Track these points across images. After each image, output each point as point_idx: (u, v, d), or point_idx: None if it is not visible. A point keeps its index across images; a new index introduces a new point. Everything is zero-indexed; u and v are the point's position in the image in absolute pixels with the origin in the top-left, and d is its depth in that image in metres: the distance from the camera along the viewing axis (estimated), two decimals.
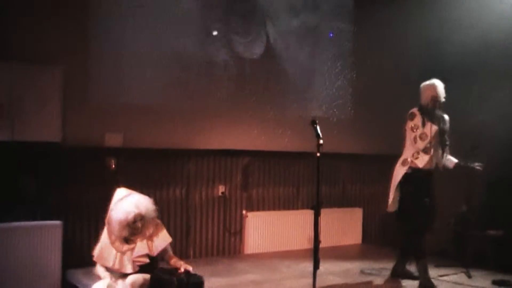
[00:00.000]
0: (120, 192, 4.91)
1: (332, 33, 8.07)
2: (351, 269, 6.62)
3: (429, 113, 5.95)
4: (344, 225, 8.18)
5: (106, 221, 4.81)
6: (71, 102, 6.08)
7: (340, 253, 7.41)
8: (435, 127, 5.88)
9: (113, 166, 6.31)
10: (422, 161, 5.96)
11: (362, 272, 6.49)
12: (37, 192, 5.93)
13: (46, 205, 5.96)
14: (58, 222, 5.88)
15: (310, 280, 4.66)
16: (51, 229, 5.82)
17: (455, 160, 6.16)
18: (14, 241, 5.62)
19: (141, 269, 4.74)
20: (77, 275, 5.84)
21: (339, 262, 6.79)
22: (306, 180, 7.89)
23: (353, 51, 8.36)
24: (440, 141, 6.01)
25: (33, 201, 5.90)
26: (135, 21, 6.65)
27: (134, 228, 4.74)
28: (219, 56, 7.24)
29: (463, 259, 6.65)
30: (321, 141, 4.66)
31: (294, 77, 7.88)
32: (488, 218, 7.36)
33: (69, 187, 6.12)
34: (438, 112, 6.03)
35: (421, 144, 5.90)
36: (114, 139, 6.41)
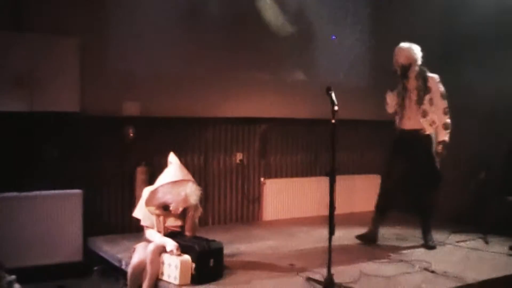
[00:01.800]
0: (174, 166, 5.01)
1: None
2: None
3: (393, 79, 6.10)
4: (362, 192, 8.19)
5: (150, 190, 4.90)
6: (89, 71, 6.09)
7: (358, 219, 7.42)
8: (390, 94, 6.07)
9: (131, 134, 6.38)
10: (396, 124, 6.19)
11: (382, 237, 6.50)
12: (57, 161, 6.02)
13: (66, 174, 6.06)
14: (78, 191, 6.00)
15: (326, 245, 4.70)
16: (72, 198, 5.95)
17: (442, 138, 6.00)
18: (36, 210, 5.76)
19: (171, 234, 4.88)
20: (98, 242, 5.97)
21: (356, 228, 6.82)
22: (324, 147, 7.84)
23: (372, 18, 8.27)
24: (415, 102, 6.01)
25: (54, 171, 6.00)
26: None
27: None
28: (237, 23, 7.20)
29: (481, 225, 6.65)
30: (336, 108, 4.65)
31: (312, 44, 7.83)
32: (508, 184, 7.31)
33: (89, 156, 6.20)
34: (411, 74, 6.03)
35: (387, 109, 6.17)
36: (131, 108, 6.44)
